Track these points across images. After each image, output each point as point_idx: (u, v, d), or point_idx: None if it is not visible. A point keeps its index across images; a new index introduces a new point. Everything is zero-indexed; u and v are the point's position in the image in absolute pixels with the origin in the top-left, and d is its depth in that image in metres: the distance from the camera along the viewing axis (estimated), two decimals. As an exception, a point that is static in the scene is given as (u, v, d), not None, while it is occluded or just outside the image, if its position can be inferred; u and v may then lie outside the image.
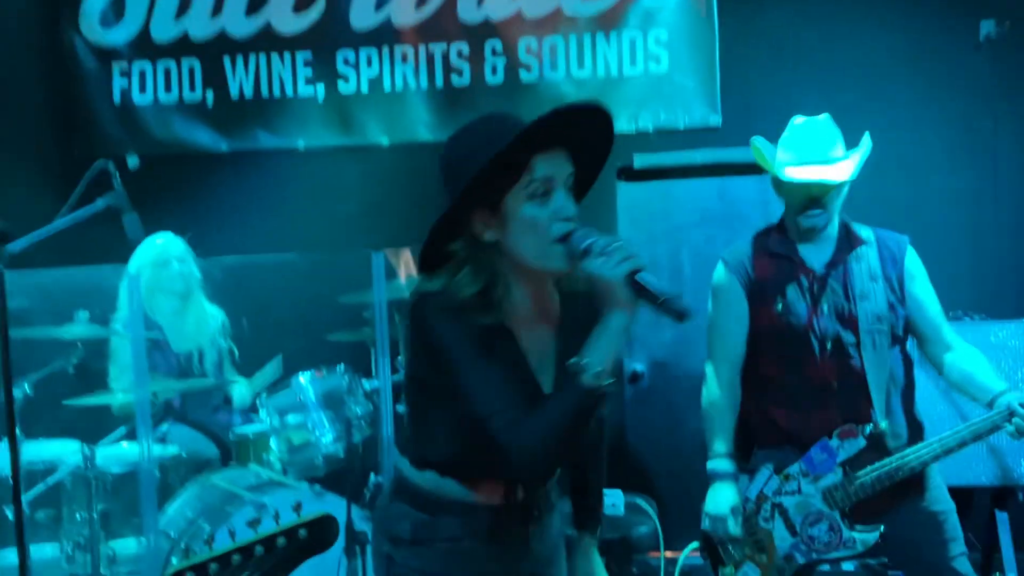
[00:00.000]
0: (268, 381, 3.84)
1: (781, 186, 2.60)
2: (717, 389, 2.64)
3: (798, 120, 2.67)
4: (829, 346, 2.53)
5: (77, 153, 4.80)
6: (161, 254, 3.81)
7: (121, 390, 3.54)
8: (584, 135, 1.72)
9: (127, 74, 4.82)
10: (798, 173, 2.52)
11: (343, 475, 3.34)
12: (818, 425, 2.52)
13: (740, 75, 4.54)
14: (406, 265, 4.05)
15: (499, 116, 1.79)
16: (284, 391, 3.51)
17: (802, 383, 2.55)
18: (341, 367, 3.55)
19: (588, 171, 1.78)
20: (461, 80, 4.67)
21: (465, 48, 4.66)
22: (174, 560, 3.17)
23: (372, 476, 3.73)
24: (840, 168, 2.51)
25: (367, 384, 3.50)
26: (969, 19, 4.31)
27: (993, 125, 4.34)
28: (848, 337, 2.52)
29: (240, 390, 4.00)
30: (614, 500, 3.49)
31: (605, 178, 4.54)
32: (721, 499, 2.57)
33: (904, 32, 4.42)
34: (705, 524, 2.61)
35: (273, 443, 3.56)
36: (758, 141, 2.71)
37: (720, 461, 2.60)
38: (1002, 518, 3.83)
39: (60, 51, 4.86)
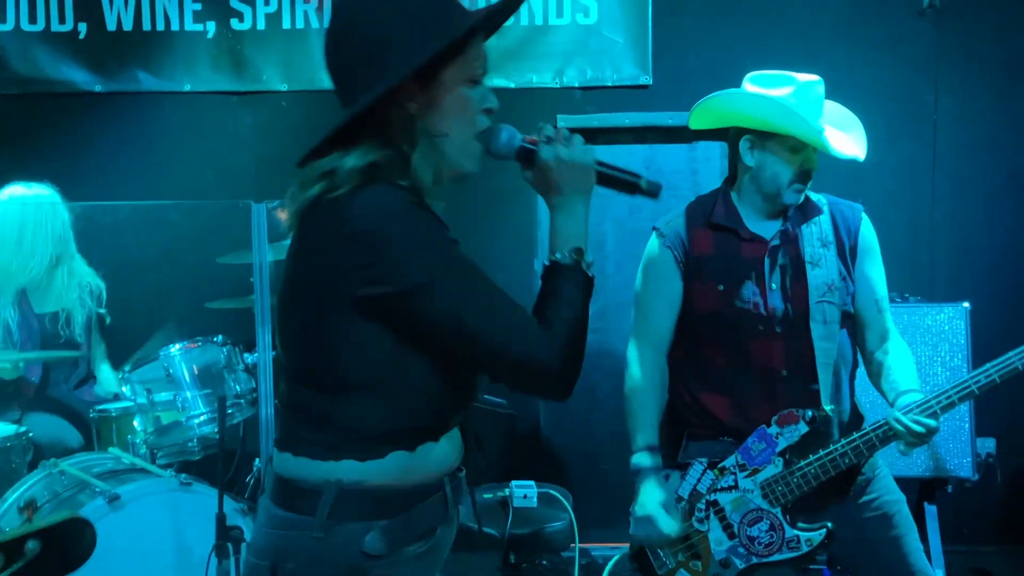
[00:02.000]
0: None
1: (776, 151, 2.23)
2: (641, 374, 2.34)
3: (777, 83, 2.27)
4: (779, 329, 2.24)
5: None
6: (24, 202, 3.33)
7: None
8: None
9: (-16, -2, 4.23)
10: (843, 147, 2.22)
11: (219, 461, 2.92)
12: (763, 416, 2.24)
13: (673, 33, 4.27)
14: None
15: None
16: (151, 363, 3.07)
17: (747, 370, 2.26)
18: (220, 338, 3.12)
19: None
20: (370, 23, 4.23)
21: (376, -12, 4.23)
22: None
23: (256, 462, 3.33)
24: (861, 145, 2.25)
25: (249, 357, 3.08)
26: (913, -16, 4.11)
27: (934, 96, 4.17)
28: (798, 317, 2.24)
29: (106, 372, 3.54)
30: (526, 491, 3.16)
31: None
32: (648, 498, 2.25)
33: (852, -7, 4.21)
34: (634, 528, 2.28)
35: (139, 423, 3.12)
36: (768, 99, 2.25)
37: (643, 455, 2.29)
38: (930, 511, 3.68)
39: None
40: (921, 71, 4.15)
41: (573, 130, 1.54)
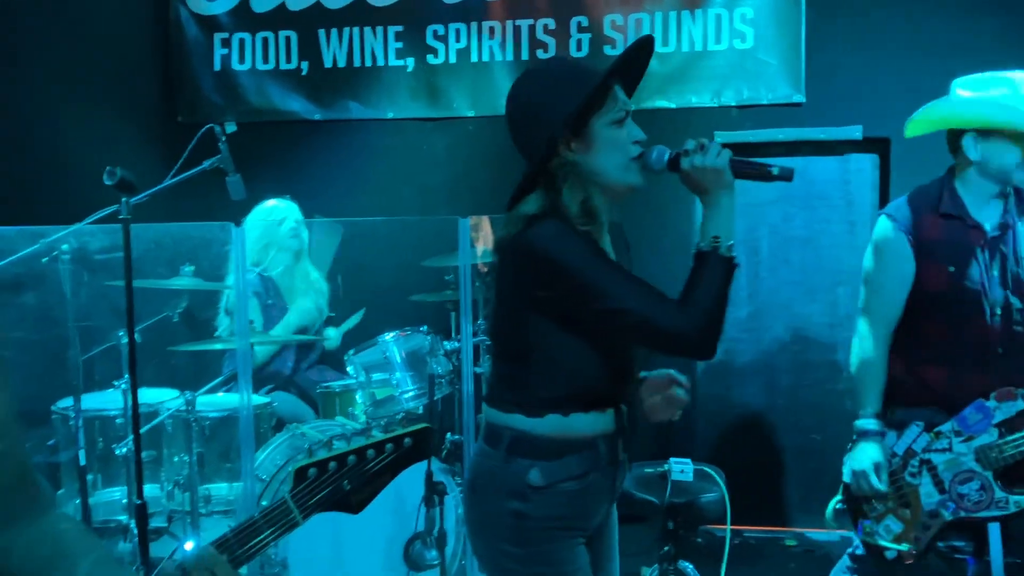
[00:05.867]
0: (351, 326, 4.06)
1: (1000, 141, 2.47)
2: (873, 348, 2.61)
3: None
4: (999, 311, 2.50)
5: (180, 118, 5.06)
6: (280, 214, 4.04)
7: (228, 336, 3.78)
8: (633, 71, 1.97)
9: (228, 43, 5.04)
10: None
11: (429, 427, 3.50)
12: (976, 389, 2.50)
13: (825, 54, 4.54)
14: (485, 236, 4.18)
15: (561, 58, 1.96)
16: (371, 349, 3.69)
17: (966, 346, 2.52)
18: (424, 328, 3.71)
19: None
20: (546, 54, 4.76)
21: (552, 23, 4.76)
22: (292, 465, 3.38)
23: (449, 435, 3.90)
24: None
25: (447, 344, 3.65)
26: (1067, 0, 4.23)
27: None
28: (1016, 302, 2.50)
29: (331, 333, 4.22)
30: (683, 467, 3.58)
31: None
32: (864, 456, 2.56)
33: (996, 14, 4.34)
34: (848, 478, 2.61)
35: (359, 397, 3.75)
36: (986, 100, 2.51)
37: (870, 420, 2.60)
38: None
39: (167, 20, 5.10)
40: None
41: (725, 145, 1.88)
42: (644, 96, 4.59)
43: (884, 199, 4.58)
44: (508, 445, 1.94)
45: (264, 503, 3.48)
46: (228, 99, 5.05)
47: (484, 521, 1.99)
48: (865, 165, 4.66)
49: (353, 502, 1.34)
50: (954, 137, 2.55)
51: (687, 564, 3.57)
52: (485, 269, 4.08)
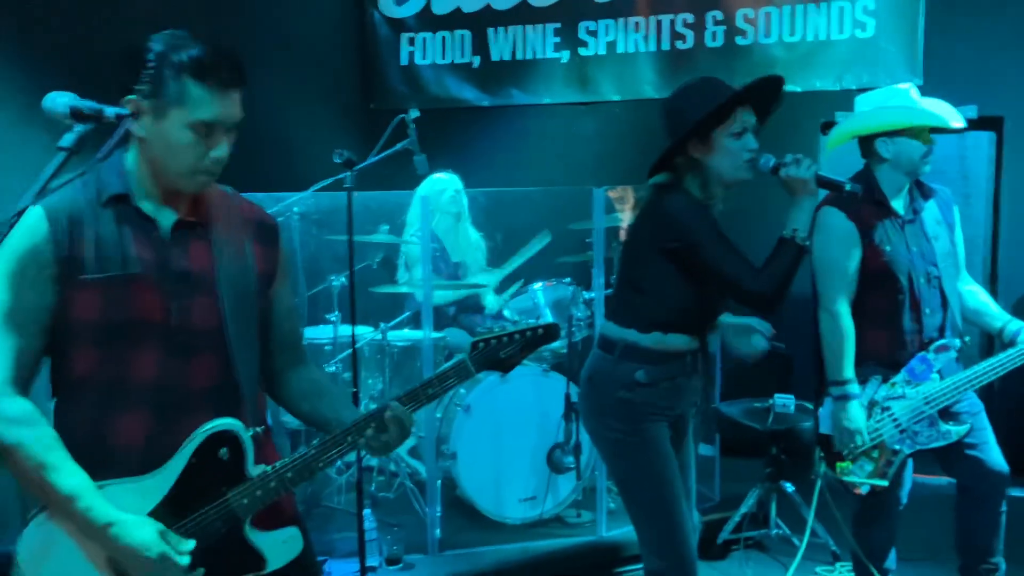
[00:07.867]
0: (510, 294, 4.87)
1: (906, 139, 3.00)
2: (848, 322, 3.03)
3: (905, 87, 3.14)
4: (922, 279, 3.04)
5: (373, 105, 6.02)
6: (442, 184, 4.89)
7: (405, 284, 4.66)
8: (766, 96, 2.62)
9: (413, 42, 5.95)
10: (956, 122, 3.07)
11: (564, 364, 4.28)
12: (911, 344, 3.05)
13: (942, 39, 4.91)
14: (631, 204, 4.87)
15: (712, 79, 2.69)
16: (523, 296, 4.49)
17: (903, 311, 3.04)
18: (567, 280, 4.46)
19: (761, 120, 2.67)
20: (684, 45, 5.39)
21: (690, 17, 5.38)
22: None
23: (588, 371, 4.65)
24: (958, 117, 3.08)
25: (586, 295, 4.39)
26: None
27: None
28: (933, 271, 3.04)
29: (491, 300, 5.03)
30: (786, 401, 4.18)
31: (809, 132, 5.05)
32: (857, 417, 3.03)
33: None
34: (828, 431, 3.11)
35: (516, 337, 4.55)
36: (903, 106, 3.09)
37: (855, 385, 3.04)
38: None
39: (361, 23, 6.07)
40: None
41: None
42: (772, 81, 5.13)
43: (999, 173, 4.94)
44: (621, 351, 2.66)
45: (438, 415, 4.36)
46: (412, 89, 5.97)
47: (599, 405, 2.72)
48: (981, 142, 5.00)
49: (504, 366, 2.05)
50: (867, 142, 3.05)
51: (788, 484, 4.17)
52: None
